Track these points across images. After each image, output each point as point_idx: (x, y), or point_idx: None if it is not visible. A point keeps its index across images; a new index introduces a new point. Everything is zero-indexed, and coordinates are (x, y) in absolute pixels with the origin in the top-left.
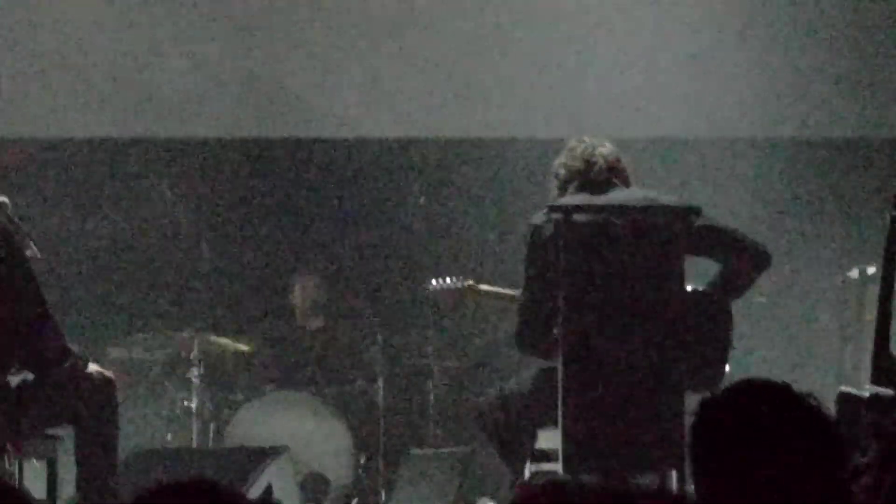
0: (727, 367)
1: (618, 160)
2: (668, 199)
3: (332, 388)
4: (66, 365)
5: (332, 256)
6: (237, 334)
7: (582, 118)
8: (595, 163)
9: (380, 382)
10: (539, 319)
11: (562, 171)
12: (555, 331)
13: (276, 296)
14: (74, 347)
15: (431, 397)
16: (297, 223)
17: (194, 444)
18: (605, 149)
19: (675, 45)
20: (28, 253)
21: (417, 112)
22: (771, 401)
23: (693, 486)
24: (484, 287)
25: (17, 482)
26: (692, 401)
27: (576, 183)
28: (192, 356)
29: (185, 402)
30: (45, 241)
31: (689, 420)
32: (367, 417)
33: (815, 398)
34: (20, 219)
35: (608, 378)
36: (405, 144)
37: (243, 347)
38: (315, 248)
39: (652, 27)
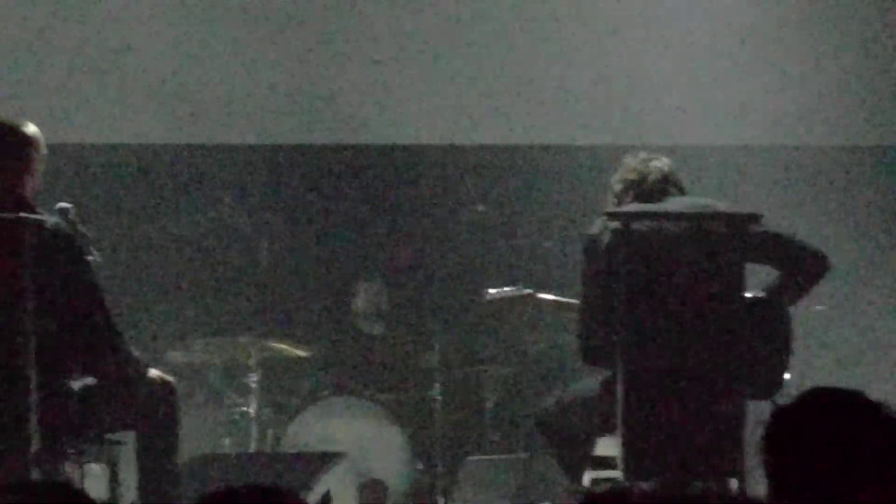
0: (787, 375)
1: (672, 170)
2: (726, 206)
3: (390, 394)
4: (128, 370)
5: (392, 263)
6: (296, 340)
7: (639, 126)
8: (650, 173)
9: (437, 389)
10: (599, 328)
11: (618, 185)
12: (614, 339)
13: (336, 301)
14: (135, 352)
15: (488, 404)
16: (356, 229)
17: (252, 450)
18: (660, 161)
19: (733, 52)
20: (90, 258)
21: (477, 118)
22: (846, 409)
23: (766, 496)
24: (543, 296)
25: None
26: (752, 408)
27: (631, 193)
28: (250, 361)
29: (243, 408)
30: (106, 247)
31: (752, 428)
32: (425, 424)
33: (888, 407)
34: (82, 224)
35: (667, 385)
36: (465, 151)
37: (302, 353)
38: (375, 255)
39: (710, 34)
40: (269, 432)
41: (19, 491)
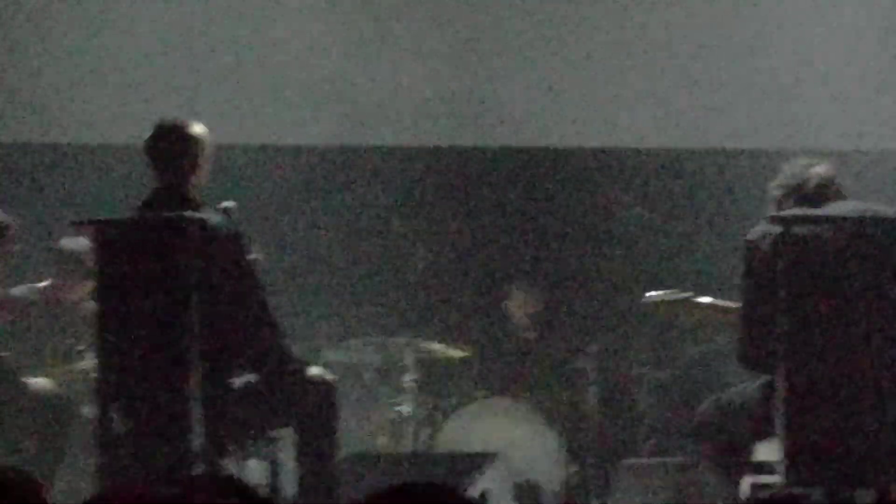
0: None
1: (833, 175)
2: (887, 210)
3: (545, 396)
4: (288, 368)
5: (548, 266)
6: (451, 341)
7: (799, 130)
8: (810, 179)
9: (592, 391)
10: (759, 333)
11: (778, 191)
12: (774, 344)
13: (490, 304)
14: (296, 350)
15: (643, 407)
16: (512, 232)
17: (407, 450)
18: (820, 166)
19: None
20: (251, 256)
21: (635, 123)
22: None
23: None
24: (701, 299)
25: None
26: None
27: (792, 199)
28: (405, 361)
29: (399, 407)
30: (266, 246)
31: None
32: (579, 426)
33: None
34: (245, 223)
35: (829, 390)
36: (623, 155)
37: (457, 353)
38: (531, 258)
39: (878, 35)
40: (424, 432)
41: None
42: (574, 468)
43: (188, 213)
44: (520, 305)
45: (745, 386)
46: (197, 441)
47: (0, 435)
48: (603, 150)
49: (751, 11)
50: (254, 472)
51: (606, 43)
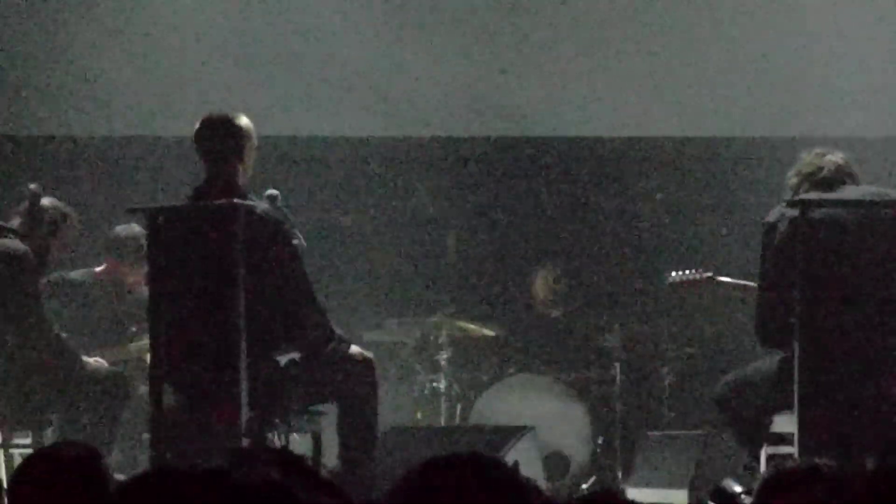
0: None
1: (847, 162)
2: None
3: (572, 372)
4: (330, 346)
5: (574, 249)
6: (483, 320)
7: (812, 117)
8: (824, 166)
9: (617, 368)
10: (777, 311)
11: (794, 178)
12: (791, 321)
13: (519, 285)
14: (338, 330)
15: (667, 382)
16: (539, 218)
17: (442, 423)
18: (834, 154)
19: None
20: (295, 241)
21: (657, 113)
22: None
23: None
24: (723, 279)
25: None
26: None
27: (807, 185)
28: (440, 340)
29: (434, 384)
30: (309, 233)
31: None
32: (606, 400)
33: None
34: (289, 210)
35: (843, 365)
36: (646, 143)
37: (489, 332)
38: (557, 242)
39: (890, 32)
40: (458, 406)
41: (244, 456)
42: (601, 440)
43: (236, 201)
44: (547, 287)
45: (763, 361)
46: (244, 416)
47: (62, 411)
48: (627, 140)
49: (772, 5)
50: (297, 444)
51: (629, 38)
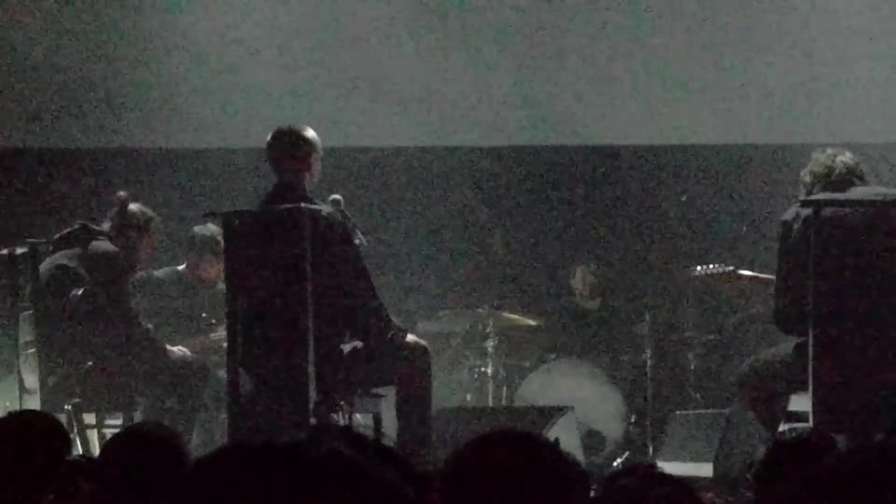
0: None
1: (856, 164)
2: None
3: (607, 357)
4: (389, 335)
5: (609, 247)
6: (526, 311)
7: (825, 125)
8: (836, 167)
9: (647, 353)
10: (793, 301)
11: (807, 178)
12: (806, 309)
13: (559, 279)
14: (395, 321)
15: (693, 366)
16: (577, 218)
17: (490, 404)
18: (844, 156)
19: None
20: (356, 241)
21: (683, 122)
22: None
23: None
24: (744, 272)
25: None
26: None
27: (819, 185)
28: (487, 329)
29: (482, 369)
30: (369, 233)
31: None
32: (637, 383)
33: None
34: (350, 213)
35: (854, 349)
36: (667, 151)
37: (532, 322)
38: (593, 240)
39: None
40: (504, 389)
41: (315, 433)
42: (633, 419)
43: (303, 205)
44: (584, 281)
45: (780, 346)
46: (312, 398)
47: (149, 395)
48: (656, 147)
49: (788, 19)
50: (359, 424)
51: (658, 55)
